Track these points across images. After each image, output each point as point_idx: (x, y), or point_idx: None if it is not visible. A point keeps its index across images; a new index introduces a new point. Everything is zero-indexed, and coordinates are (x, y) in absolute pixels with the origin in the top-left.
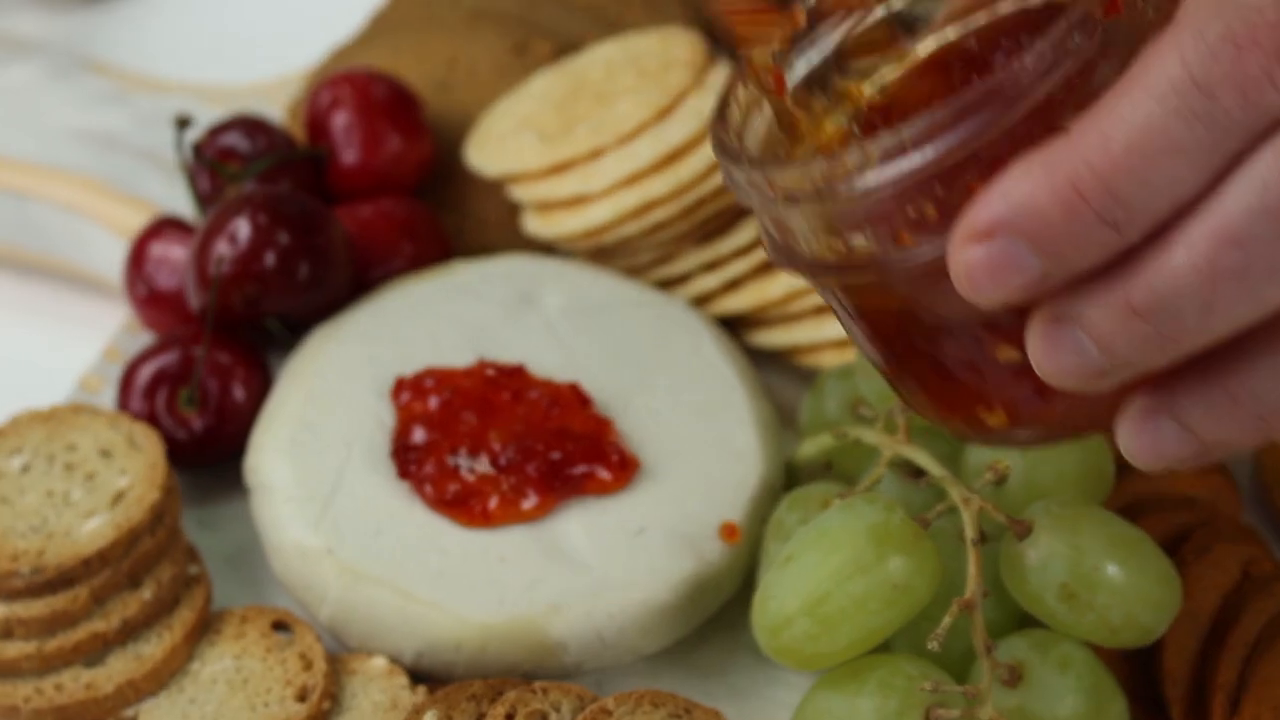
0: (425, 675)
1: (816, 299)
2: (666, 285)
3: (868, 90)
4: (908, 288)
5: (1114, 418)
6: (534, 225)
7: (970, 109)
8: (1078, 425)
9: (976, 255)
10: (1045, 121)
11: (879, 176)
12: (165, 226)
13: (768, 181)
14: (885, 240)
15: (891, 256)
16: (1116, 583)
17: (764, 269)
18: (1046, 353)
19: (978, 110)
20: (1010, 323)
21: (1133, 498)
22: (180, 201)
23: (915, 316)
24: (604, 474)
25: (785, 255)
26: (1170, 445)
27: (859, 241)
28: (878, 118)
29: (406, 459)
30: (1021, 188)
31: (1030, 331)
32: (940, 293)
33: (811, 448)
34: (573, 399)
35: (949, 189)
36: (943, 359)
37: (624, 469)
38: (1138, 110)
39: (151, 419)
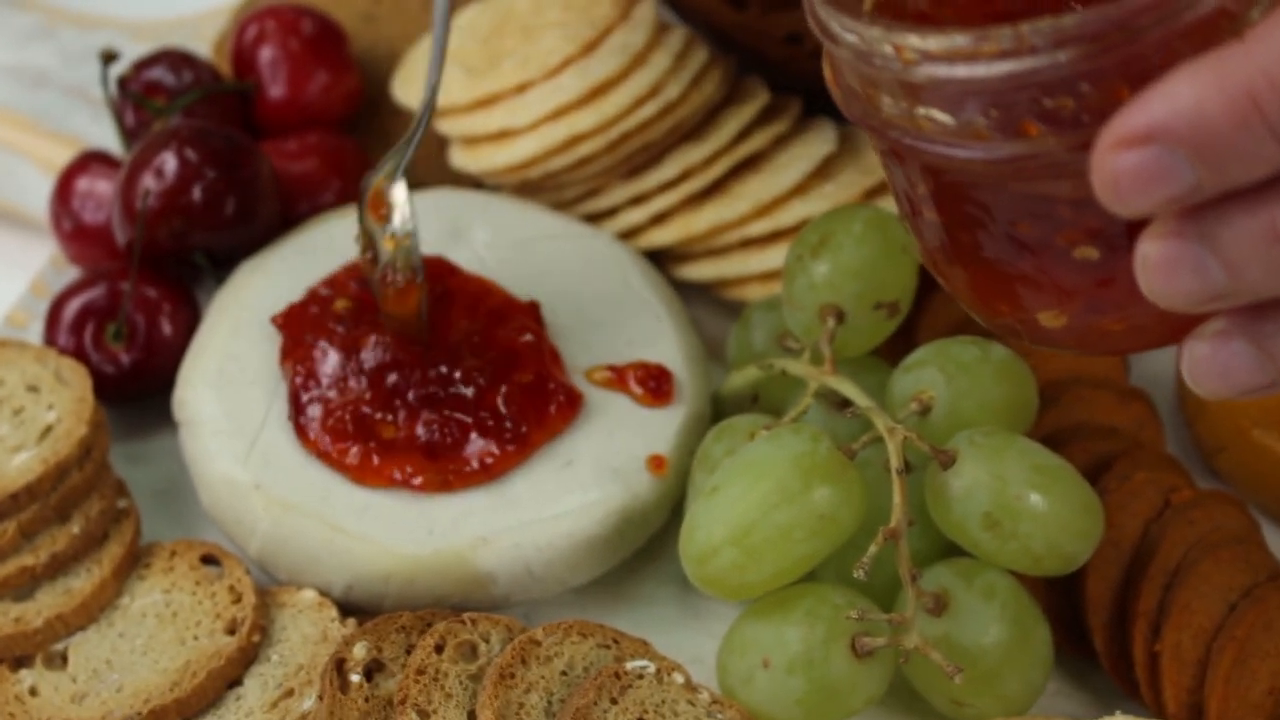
0: (355, 608)
1: (742, 232)
2: (594, 219)
3: None
4: (1005, 176)
5: (1183, 335)
6: (460, 159)
7: (1145, 8)
8: (1140, 339)
9: (1127, 161)
10: (1212, 32)
11: (1026, 62)
12: (91, 161)
13: (894, 44)
14: (1007, 127)
15: (1005, 144)
16: (1039, 511)
17: (690, 202)
18: (1162, 269)
19: (1148, 9)
20: (1099, 221)
21: (1055, 427)
22: (108, 137)
23: (998, 204)
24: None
25: (865, 116)
26: (1242, 371)
27: (976, 121)
28: None
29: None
30: (1187, 92)
31: (1147, 244)
32: (1038, 185)
33: (738, 380)
34: (527, 318)
35: (1097, 87)
36: (1012, 251)
37: (570, 407)
38: None
39: (79, 354)
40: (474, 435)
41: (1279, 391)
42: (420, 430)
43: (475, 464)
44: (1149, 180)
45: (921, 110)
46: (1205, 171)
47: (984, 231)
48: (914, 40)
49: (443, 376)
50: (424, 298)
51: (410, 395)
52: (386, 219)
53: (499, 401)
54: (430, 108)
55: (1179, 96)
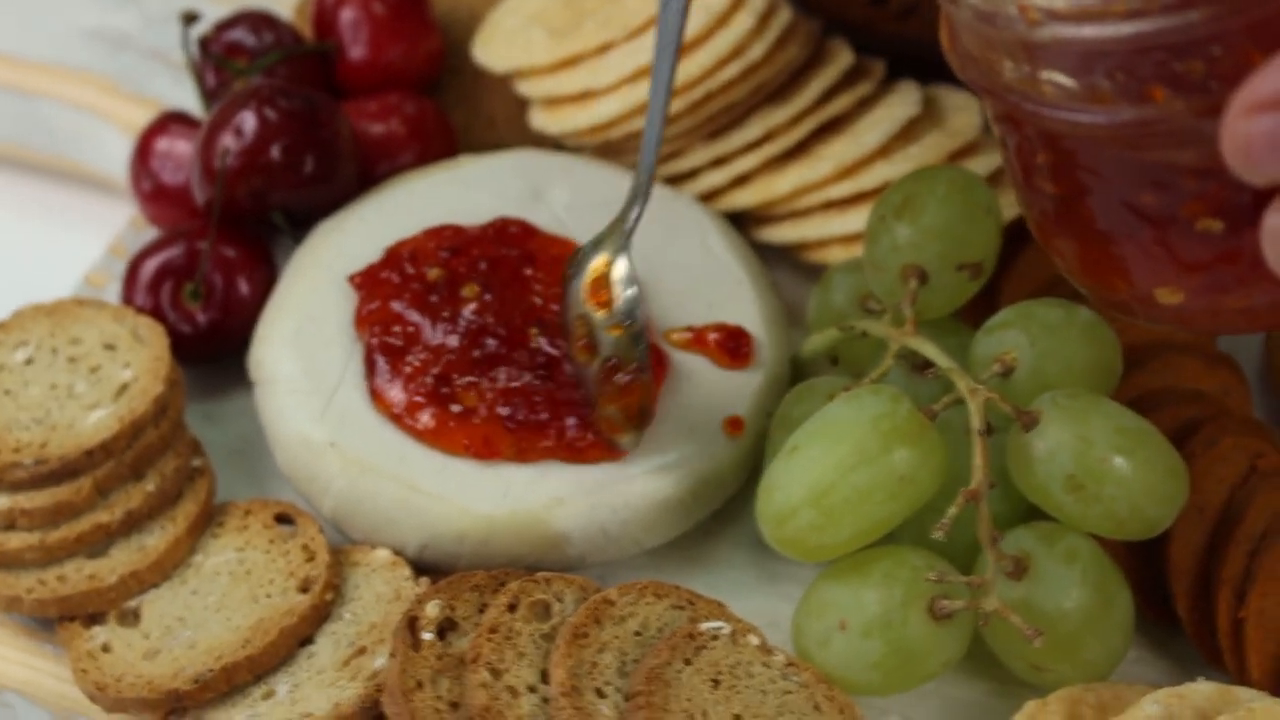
0: (429, 567)
1: (824, 194)
2: (674, 181)
3: None
4: (1127, 143)
5: None
6: (541, 121)
7: None
8: (1261, 319)
9: (1260, 126)
10: None
11: (1156, 22)
12: (171, 121)
13: (1019, 3)
14: (1132, 91)
15: (1130, 109)
16: (1123, 475)
17: (772, 165)
18: None
19: None
20: (1225, 192)
21: (1141, 391)
22: (189, 100)
23: (1118, 173)
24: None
25: (983, 80)
26: None
27: (1100, 84)
28: None
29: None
30: None
31: (1273, 216)
32: (1162, 153)
33: (818, 341)
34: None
35: (1227, 50)
36: (1130, 222)
37: (659, 368)
38: None
39: (156, 313)
40: (560, 412)
41: None
42: (502, 406)
43: (553, 440)
44: None
45: (1044, 73)
46: None
47: (1102, 202)
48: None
49: (532, 349)
50: (650, 390)
51: (498, 366)
52: (608, 304)
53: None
54: (650, 173)
55: None
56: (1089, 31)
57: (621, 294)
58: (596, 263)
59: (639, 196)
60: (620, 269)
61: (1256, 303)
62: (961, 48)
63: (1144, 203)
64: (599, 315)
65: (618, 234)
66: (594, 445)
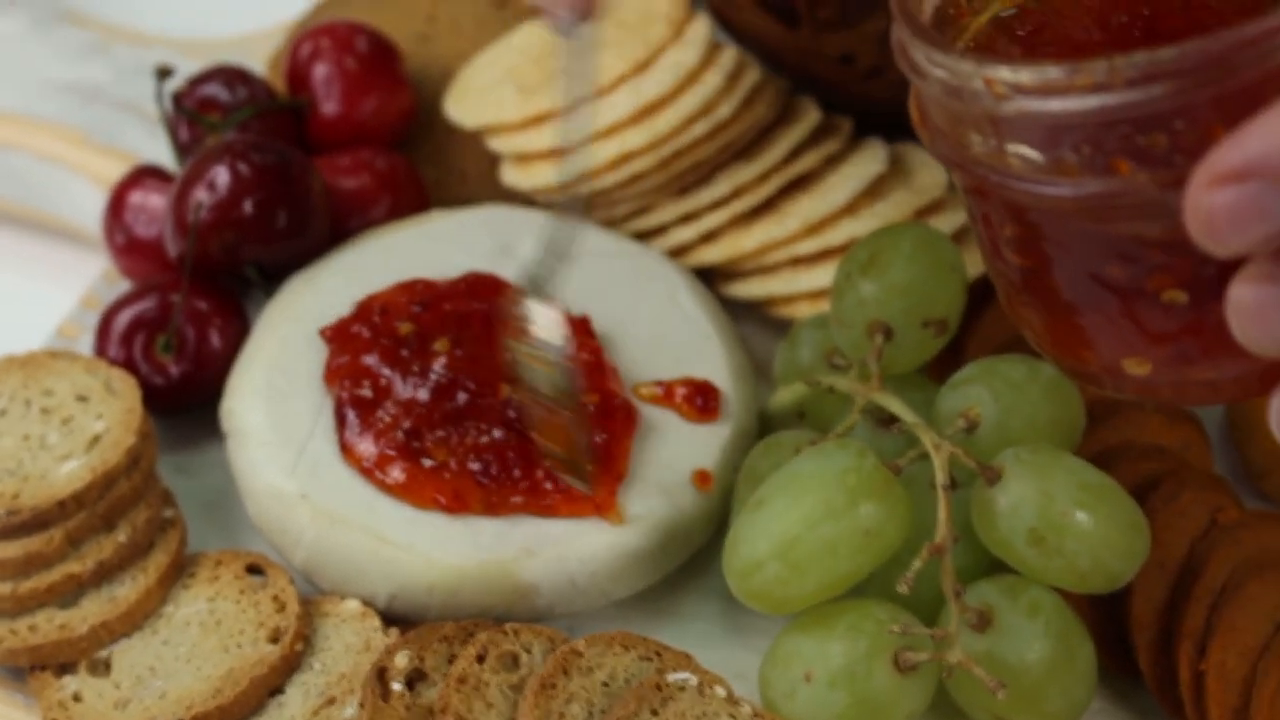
0: (398, 618)
1: (791, 251)
2: (643, 237)
3: None
4: (1094, 216)
5: (1272, 388)
6: (512, 176)
7: (1243, 42)
8: (1230, 390)
9: (1223, 199)
10: None
11: (1120, 96)
12: (145, 175)
13: (986, 78)
14: (1097, 164)
15: (1096, 182)
16: (1085, 529)
17: (740, 221)
18: (1257, 314)
19: (1246, 44)
20: (1190, 264)
21: (1103, 446)
22: (161, 153)
23: (1084, 245)
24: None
25: (952, 153)
26: None
27: (1066, 157)
28: (1029, 25)
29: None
30: None
31: (1240, 287)
32: (1127, 225)
33: (785, 396)
34: (580, 333)
35: (1190, 123)
36: (1097, 294)
37: (627, 423)
38: None
39: (129, 365)
40: (531, 467)
41: None
42: (473, 460)
43: (523, 495)
44: (1245, 218)
45: (1011, 146)
46: None
47: (1068, 274)
48: (1005, 73)
49: (502, 403)
50: (586, 430)
51: (468, 420)
52: (525, 337)
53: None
54: (577, 223)
55: (1276, 132)
56: (1054, 105)
57: (540, 326)
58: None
59: (567, 241)
60: (537, 306)
61: (1222, 375)
62: (931, 122)
63: (1110, 275)
64: (519, 347)
65: (538, 267)
66: (564, 500)
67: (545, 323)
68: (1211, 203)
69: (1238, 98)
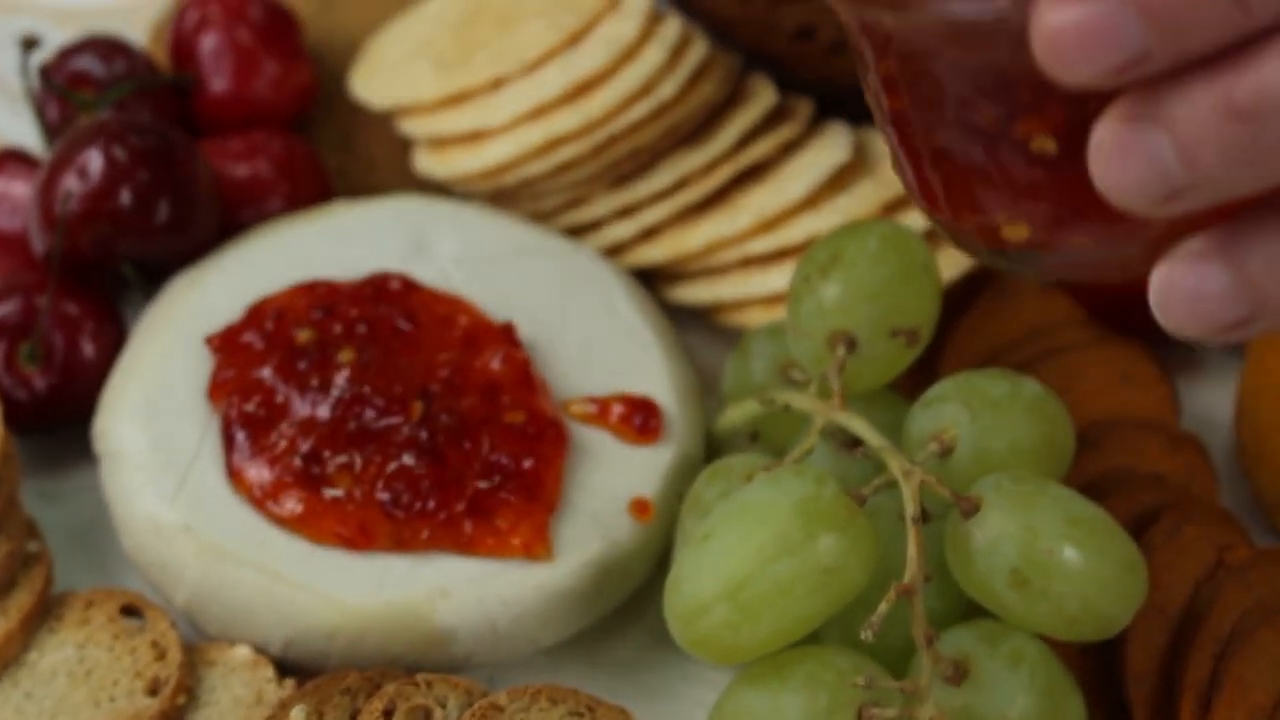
0: (294, 666)
1: (743, 250)
2: (576, 232)
3: None
4: (958, 40)
5: (1153, 260)
6: (427, 163)
7: None
8: (1106, 260)
9: (1068, 18)
10: None
11: None
12: (6, 160)
13: None
14: None
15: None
16: (1074, 568)
17: (685, 216)
18: (1114, 157)
19: None
20: (1059, 106)
21: (1095, 474)
22: (26, 134)
23: (954, 81)
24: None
25: None
26: (1214, 299)
27: None
28: None
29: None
30: None
31: (1101, 128)
32: (992, 54)
33: (735, 415)
34: (503, 342)
35: None
36: (967, 139)
37: (558, 445)
38: None
39: None
40: (449, 497)
41: (1256, 331)
42: (381, 490)
43: (439, 529)
44: (1092, 42)
45: None
46: (1155, 36)
47: (940, 118)
48: None
49: (415, 423)
50: None
51: (376, 443)
52: None
53: (482, 449)
54: None
55: None
56: None
57: None
58: None
59: None
60: None
61: (1106, 239)
62: None
63: (979, 117)
64: None
65: None
66: (486, 534)
67: None
68: (1055, 21)
69: None
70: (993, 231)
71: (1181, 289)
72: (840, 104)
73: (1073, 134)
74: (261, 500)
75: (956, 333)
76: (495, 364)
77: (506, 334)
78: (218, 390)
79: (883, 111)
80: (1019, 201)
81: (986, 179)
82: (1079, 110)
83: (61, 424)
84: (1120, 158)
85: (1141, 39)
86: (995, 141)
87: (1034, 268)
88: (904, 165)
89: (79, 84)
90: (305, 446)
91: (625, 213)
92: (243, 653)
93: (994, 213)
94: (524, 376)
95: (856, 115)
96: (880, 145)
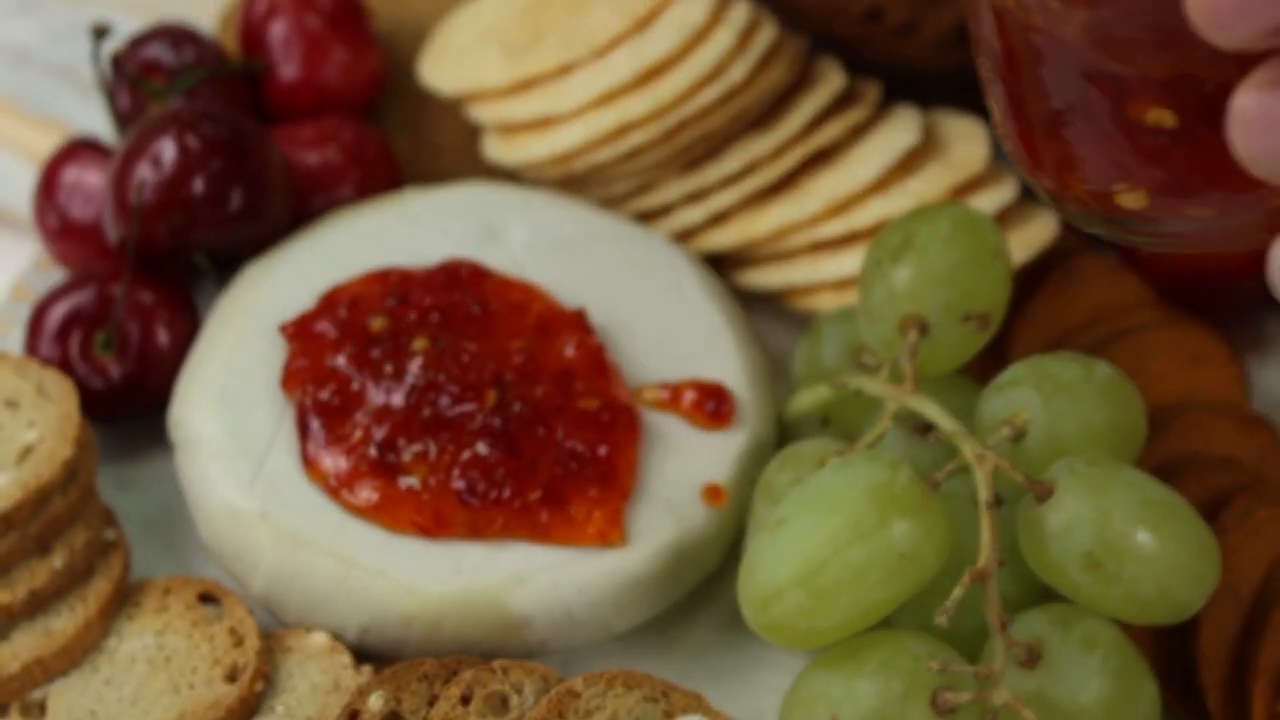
0: (371, 653)
1: (812, 234)
2: (646, 218)
3: None
4: (1086, 12)
5: (1274, 230)
6: (496, 150)
7: None
8: (1225, 230)
9: None
10: None
11: None
12: (80, 149)
13: None
14: None
15: None
16: (1148, 552)
17: (754, 200)
18: (1257, 125)
19: None
20: (1181, 76)
21: (1167, 458)
22: (99, 124)
23: (1075, 53)
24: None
25: None
26: None
27: None
28: None
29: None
30: None
31: (1245, 96)
32: (1120, 25)
33: (807, 400)
34: (576, 329)
35: None
36: (1086, 110)
37: (631, 432)
38: None
39: (64, 365)
40: (523, 485)
41: None
42: (457, 479)
43: (514, 518)
44: (1249, 3)
45: None
46: None
47: (1061, 87)
48: None
49: (489, 411)
50: None
51: (451, 432)
52: None
53: (556, 436)
54: None
55: None
56: None
57: None
58: None
59: None
60: None
61: (1227, 208)
62: None
63: (1102, 87)
64: None
65: None
66: (561, 523)
67: None
68: None
69: None
70: (1108, 199)
71: None
72: (908, 86)
73: (1195, 101)
74: (337, 489)
75: (1026, 316)
76: (569, 351)
77: (579, 320)
78: (292, 379)
79: (997, 78)
80: (1140, 170)
81: (1107, 148)
82: (1200, 79)
83: (137, 412)
84: (1264, 125)
85: None
86: (1115, 109)
87: (1147, 236)
88: (1012, 132)
89: (150, 72)
90: (380, 435)
91: (695, 197)
92: (320, 639)
93: (1111, 181)
94: (597, 363)
95: (925, 98)
96: (951, 127)
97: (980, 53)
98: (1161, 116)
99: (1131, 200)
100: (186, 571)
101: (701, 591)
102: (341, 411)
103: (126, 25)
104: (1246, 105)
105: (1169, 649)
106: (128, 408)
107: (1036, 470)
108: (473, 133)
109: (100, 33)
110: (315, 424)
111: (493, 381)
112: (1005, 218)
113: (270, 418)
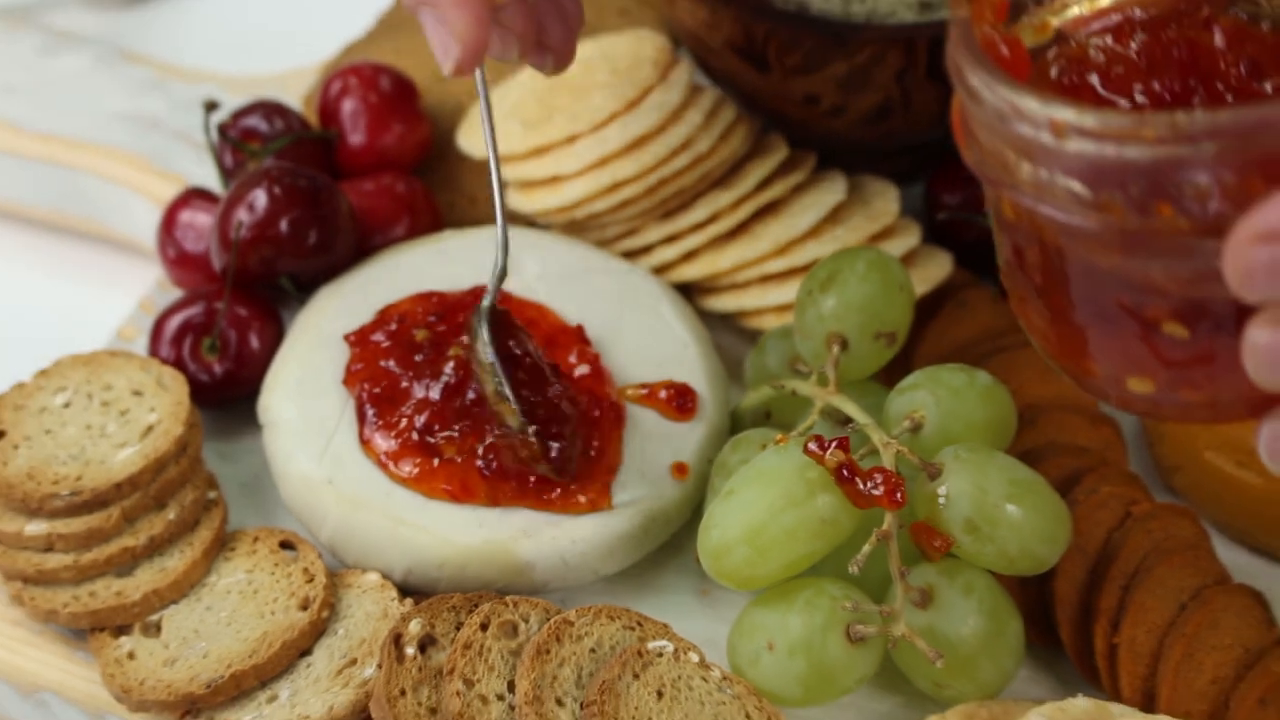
0: (412, 590)
1: (761, 269)
2: (631, 255)
3: (1054, 22)
4: (1125, 250)
5: (1261, 413)
6: (516, 201)
7: None
8: (1220, 412)
9: (1264, 255)
10: None
11: (1178, 150)
12: (193, 196)
13: (1051, 117)
14: (1143, 206)
15: (1137, 220)
16: (1015, 519)
17: (716, 242)
18: (1274, 355)
19: None
20: (1202, 301)
21: (1032, 446)
22: (208, 177)
23: (1108, 273)
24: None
25: (996, 174)
26: None
27: (1113, 196)
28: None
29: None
30: None
31: (1259, 331)
32: (1153, 261)
33: (754, 398)
34: (576, 339)
35: (1236, 177)
36: (1111, 318)
37: (617, 423)
38: None
39: (178, 363)
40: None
41: None
42: (479, 458)
43: (522, 490)
44: (1278, 272)
45: (1061, 179)
46: None
47: (1084, 296)
48: (1071, 115)
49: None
50: (515, 412)
51: (475, 420)
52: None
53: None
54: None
55: None
56: (1114, 150)
57: (480, 337)
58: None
59: (500, 251)
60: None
61: (1220, 399)
62: (975, 140)
63: (1124, 301)
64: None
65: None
66: (560, 498)
67: (484, 348)
68: (1253, 256)
69: (1277, 159)
70: (1120, 385)
71: None
72: (837, 156)
73: (1210, 320)
74: (386, 463)
75: (925, 335)
76: (572, 359)
77: (579, 334)
78: (352, 377)
79: (1024, 277)
80: (1151, 367)
81: (1121, 347)
82: (1215, 304)
83: (234, 400)
84: (1271, 355)
85: None
86: (1135, 321)
87: (1149, 413)
88: (1037, 323)
89: (248, 138)
90: (420, 422)
91: (670, 240)
92: (373, 578)
93: (1125, 374)
94: (595, 369)
95: (850, 165)
96: (870, 186)
97: (1008, 249)
98: (1175, 329)
99: (1139, 386)
100: (271, 524)
101: (669, 545)
102: (391, 403)
103: (231, 101)
104: (1261, 338)
105: (1031, 594)
106: (227, 397)
107: (929, 455)
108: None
109: (211, 107)
110: (370, 412)
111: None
112: (910, 259)
113: (335, 407)
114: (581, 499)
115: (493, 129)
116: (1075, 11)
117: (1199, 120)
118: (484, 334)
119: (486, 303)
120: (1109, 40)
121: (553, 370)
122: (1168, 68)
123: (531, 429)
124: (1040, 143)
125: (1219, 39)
